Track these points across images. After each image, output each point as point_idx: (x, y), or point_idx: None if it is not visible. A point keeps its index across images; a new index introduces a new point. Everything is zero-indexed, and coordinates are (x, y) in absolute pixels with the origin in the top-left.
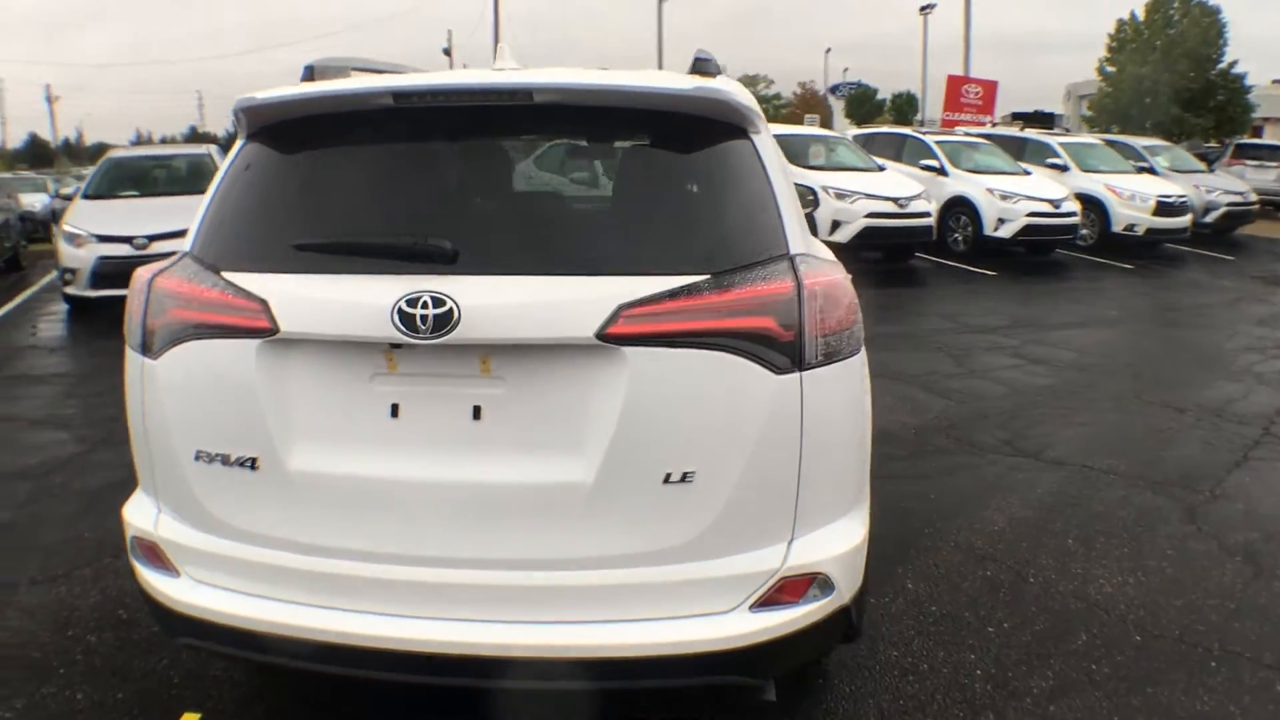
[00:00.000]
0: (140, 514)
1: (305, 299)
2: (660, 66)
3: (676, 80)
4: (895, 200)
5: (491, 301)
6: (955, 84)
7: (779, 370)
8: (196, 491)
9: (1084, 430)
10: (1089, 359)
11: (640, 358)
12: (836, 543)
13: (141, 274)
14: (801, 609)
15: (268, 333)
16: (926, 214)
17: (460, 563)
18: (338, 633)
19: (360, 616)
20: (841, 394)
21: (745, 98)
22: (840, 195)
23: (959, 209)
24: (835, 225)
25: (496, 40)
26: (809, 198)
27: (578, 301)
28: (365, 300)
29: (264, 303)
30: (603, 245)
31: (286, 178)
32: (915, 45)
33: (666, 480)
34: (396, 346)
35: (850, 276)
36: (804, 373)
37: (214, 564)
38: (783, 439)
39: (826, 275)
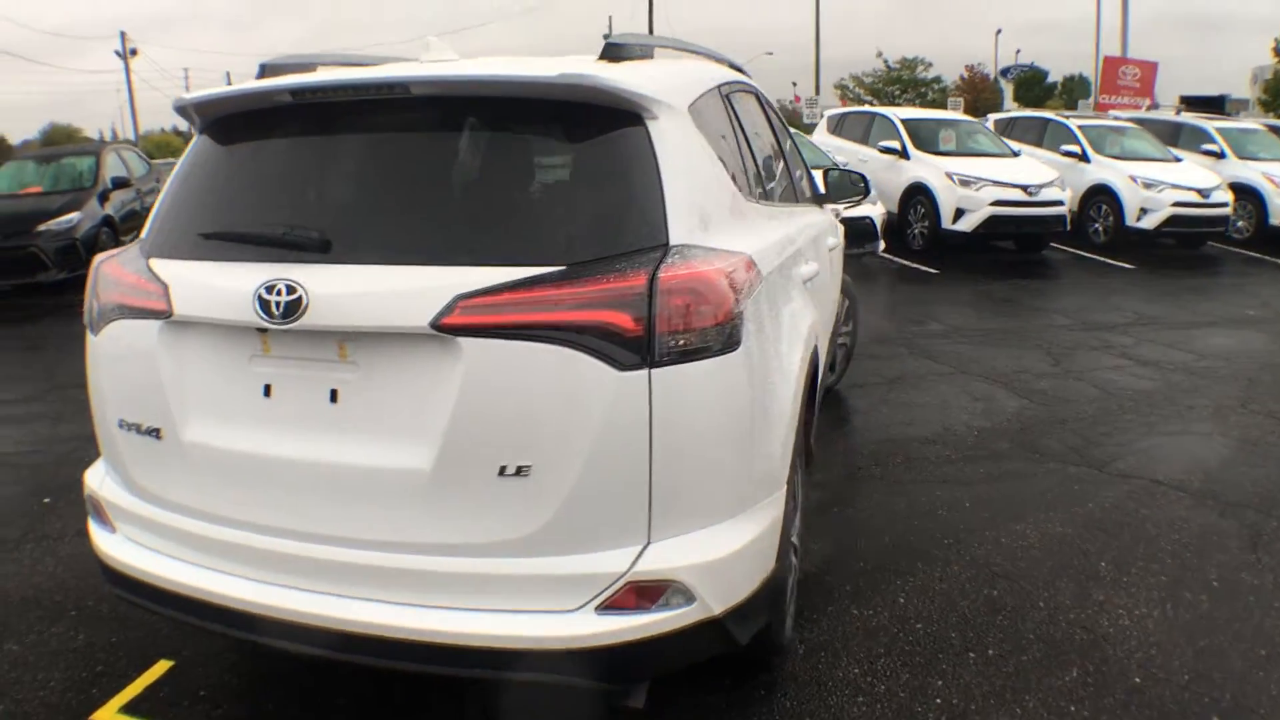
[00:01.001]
0: (94, 474)
1: (194, 284)
2: (817, 51)
3: (544, 68)
4: (1024, 188)
5: (339, 290)
6: (1112, 65)
7: (623, 367)
8: (123, 457)
9: (1166, 440)
10: (1204, 362)
11: (476, 349)
12: (699, 552)
13: (98, 258)
14: (654, 616)
15: (166, 315)
16: (1058, 203)
17: (320, 538)
18: (223, 595)
19: (241, 581)
20: (708, 394)
21: (632, 83)
22: (964, 182)
23: (1100, 198)
24: (958, 213)
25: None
26: (858, 184)
27: (417, 291)
28: (235, 286)
29: (166, 287)
30: (457, 236)
31: (211, 170)
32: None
33: (502, 473)
34: (264, 330)
35: (748, 269)
36: (653, 370)
37: (139, 524)
38: (628, 438)
39: (694, 269)
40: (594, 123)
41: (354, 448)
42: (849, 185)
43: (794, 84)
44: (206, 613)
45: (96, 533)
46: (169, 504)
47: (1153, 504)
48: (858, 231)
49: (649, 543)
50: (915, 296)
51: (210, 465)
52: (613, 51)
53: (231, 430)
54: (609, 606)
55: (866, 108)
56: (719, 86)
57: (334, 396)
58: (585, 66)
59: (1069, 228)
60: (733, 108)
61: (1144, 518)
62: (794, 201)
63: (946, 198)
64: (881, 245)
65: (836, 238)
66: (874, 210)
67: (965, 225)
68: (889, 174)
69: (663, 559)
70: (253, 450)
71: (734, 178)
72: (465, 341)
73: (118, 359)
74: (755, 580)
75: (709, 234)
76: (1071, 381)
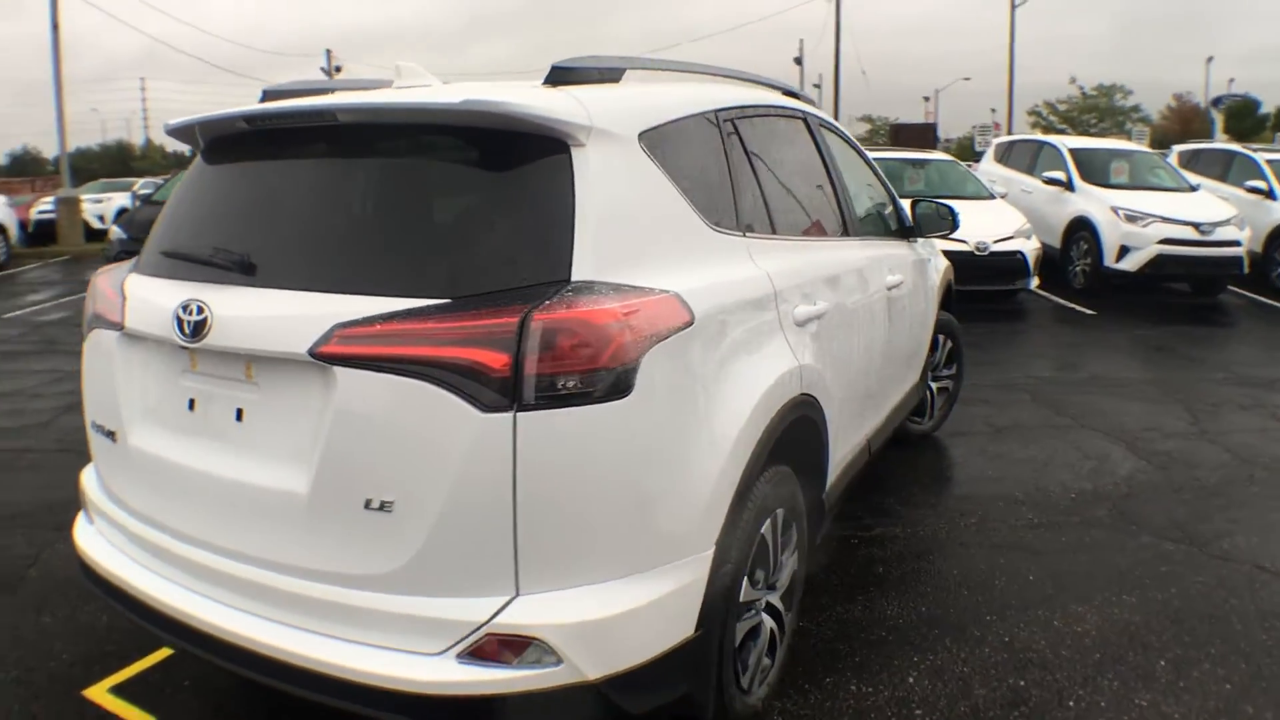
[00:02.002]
0: (88, 470)
1: (139, 299)
2: (1011, 78)
3: (449, 95)
4: (1196, 226)
5: (239, 313)
6: None
7: (487, 408)
8: (96, 455)
9: None
10: None
11: (349, 379)
12: (572, 611)
13: (97, 271)
14: (516, 672)
15: (120, 327)
16: (1234, 243)
17: (223, 551)
18: (149, 595)
19: (165, 583)
20: (585, 443)
21: (551, 109)
22: (1131, 218)
23: None
24: (1123, 251)
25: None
26: (946, 218)
27: (302, 318)
28: (162, 304)
29: (123, 301)
30: (353, 263)
31: (190, 190)
32: None
33: (367, 505)
34: (186, 348)
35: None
36: (520, 413)
37: (106, 521)
38: (489, 483)
39: (576, 309)
40: (513, 151)
41: (252, 466)
42: (937, 219)
43: (992, 110)
44: (141, 611)
45: (79, 524)
46: (123, 504)
47: (1248, 594)
48: (1006, 267)
49: (517, 594)
50: (1060, 339)
51: (147, 470)
52: (557, 75)
53: (164, 439)
54: (472, 655)
55: (1035, 136)
56: (714, 112)
57: (239, 415)
58: (508, 92)
59: (1246, 270)
60: (739, 134)
61: (1231, 610)
62: (845, 235)
63: (1110, 234)
64: (1034, 282)
65: (925, 274)
66: (1026, 245)
67: (1129, 264)
68: (1052, 206)
69: (527, 614)
70: (177, 460)
71: (708, 210)
72: (339, 371)
73: (93, 364)
74: (656, 647)
75: (637, 270)
76: (1204, 444)
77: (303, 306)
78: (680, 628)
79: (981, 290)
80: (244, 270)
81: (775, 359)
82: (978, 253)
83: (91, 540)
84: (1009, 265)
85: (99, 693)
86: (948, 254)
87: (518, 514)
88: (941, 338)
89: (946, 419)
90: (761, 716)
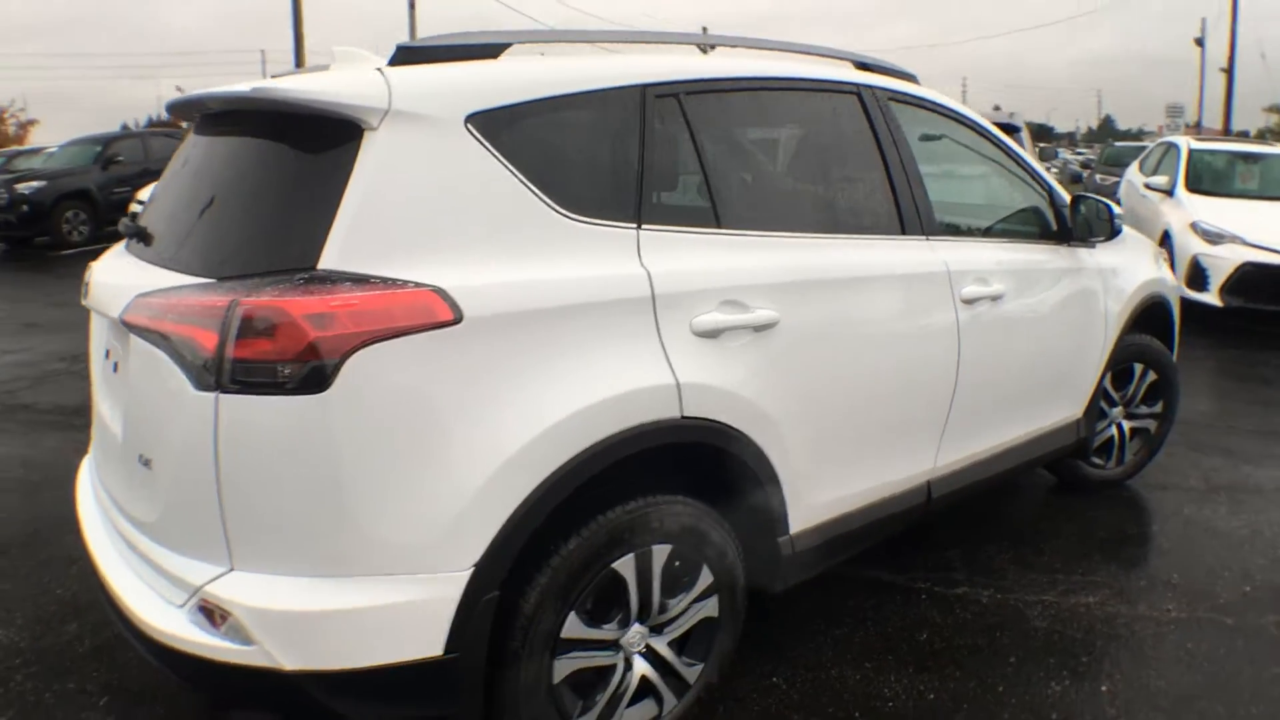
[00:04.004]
0: None
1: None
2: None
3: (252, 84)
4: None
5: (101, 279)
6: None
7: (200, 386)
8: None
9: None
10: None
11: (136, 343)
12: (266, 596)
13: None
14: (221, 642)
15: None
16: None
17: (112, 500)
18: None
19: (100, 536)
20: (278, 434)
21: (337, 91)
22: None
23: None
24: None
25: (1233, 38)
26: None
27: (128, 288)
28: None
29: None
30: (181, 242)
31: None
32: None
33: (139, 459)
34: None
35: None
36: (221, 395)
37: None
38: (200, 458)
39: (278, 298)
40: (312, 136)
41: (115, 415)
42: (1096, 220)
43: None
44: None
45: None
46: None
47: None
48: None
49: (232, 568)
50: None
51: (99, 428)
52: (403, 55)
53: (100, 399)
54: (202, 615)
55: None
56: (635, 87)
57: (115, 368)
58: (261, 82)
59: None
60: (683, 111)
61: None
62: (901, 233)
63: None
64: None
65: (1084, 286)
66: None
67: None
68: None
69: (230, 588)
70: (103, 416)
71: (574, 198)
72: (133, 337)
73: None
74: (379, 658)
75: (412, 261)
76: None
77: (138, 278)
78: (417, 645)
79: None
80: (143, 244)
81: (629, 373)
82: None
83: (84, 506)
84: None
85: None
86: (1258, 267)
87: (222, 493)
88: (1139, 367)
89: (1144, 466)
90: None
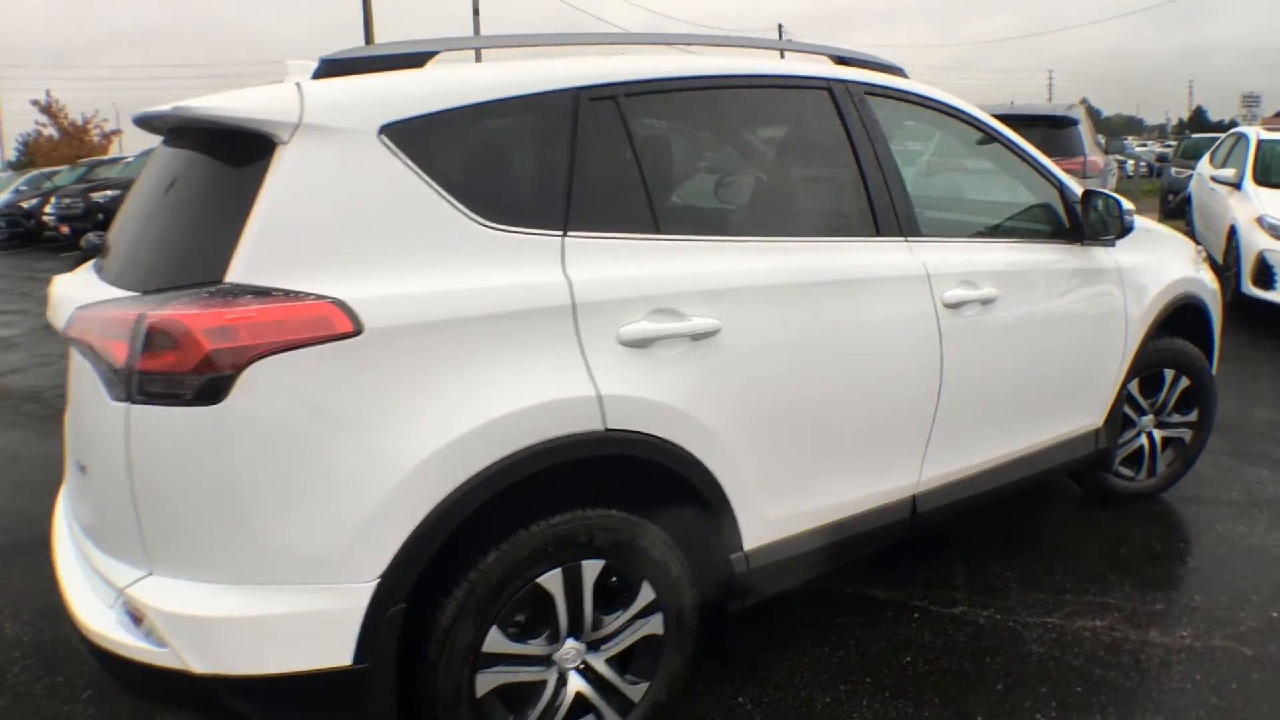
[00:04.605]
0: None
1: None
2: None
3: (186, 102)
4: None
5: (58, 293)
6: None
7: (115, 396)
8: None
9: None
10: None
11: (75, 355)
12: (177, 600)
13: None
14: (139, 643)
15: None
16: None
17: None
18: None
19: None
20: (181, 442)
21: (246, 106)
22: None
23: None
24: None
25: None
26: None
27: (73, 300)
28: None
29: None
30: (123, 257)
31: None
32: None
33: (78, 464)
34: None
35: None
36: (132, 405)
37: None
38: (116, 466)
39: (176, 310)
40: (234, 150)
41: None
42: (1108, 217)
43: None
44: None
45: None
46: None
47: None
48: None
49: (150, 572)
50: None
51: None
52: (326, 67)
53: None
54: (129, 615)
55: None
56: (568, 91)
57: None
58: (188, 101)
59: None
60: (621, 115)
61: None
62: (875, 235)
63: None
64: None
65: (1098, 287)
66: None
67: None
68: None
69: (146, 591)
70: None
71: (494, 207)
72: (72, 348)
73: None
74: (286, 665)
75: (317, 272)
76: None
77: (86, 292)
78: (325, 654)
79: None
80: (103, 259)
81: (545, 385)
82: None
83: (58, 510)
84: None
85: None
86: None
87: (137, 500)
88: (1170, 373)
89: (1180, 478)
90: None
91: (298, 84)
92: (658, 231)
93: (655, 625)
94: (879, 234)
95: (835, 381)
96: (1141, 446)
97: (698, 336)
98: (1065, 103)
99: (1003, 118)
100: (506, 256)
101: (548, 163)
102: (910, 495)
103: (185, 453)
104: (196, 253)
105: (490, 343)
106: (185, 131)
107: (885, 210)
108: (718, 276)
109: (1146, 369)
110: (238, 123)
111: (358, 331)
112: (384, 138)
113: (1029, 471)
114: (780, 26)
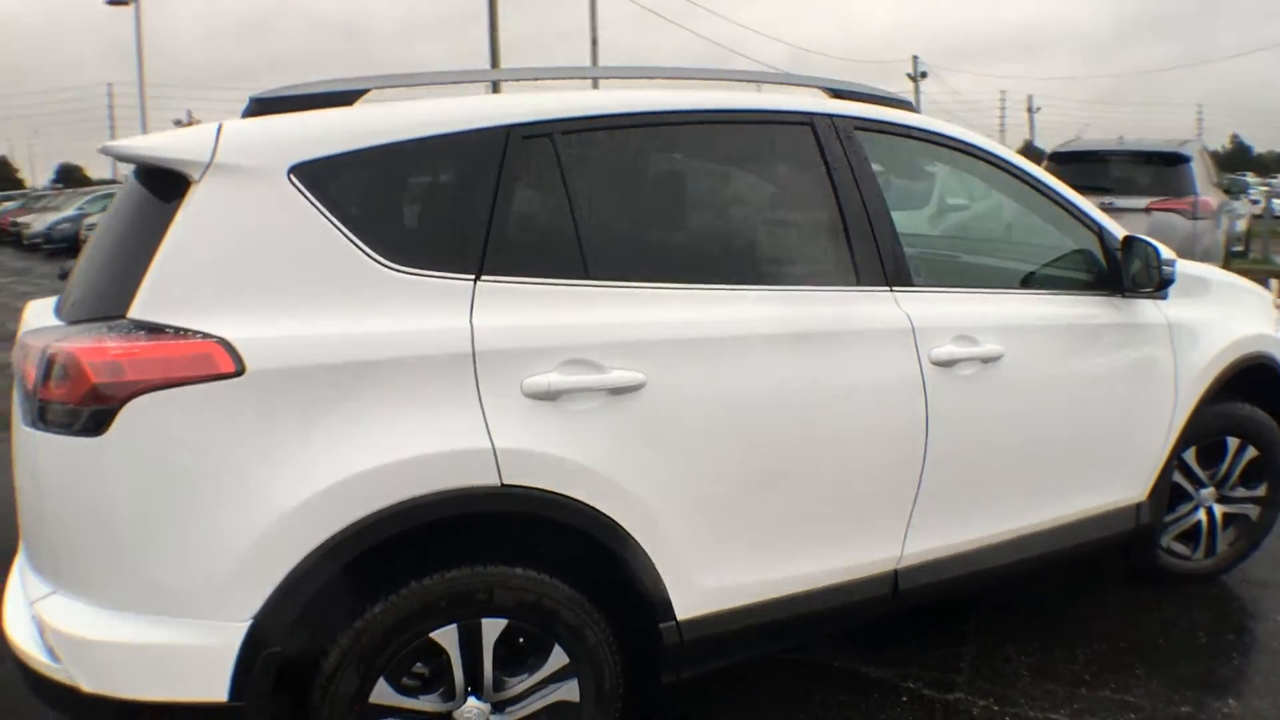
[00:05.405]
0: None
1: None
2: None
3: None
4: None
5: (25, 320)
6: None
7: (30, 422)
8: None
9: None
10: None
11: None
12: (67, 620)
13: None
14: (42, 655)
15: None
16: None
17: None
18: None
19: None
20: (68, 469)
21: (167, 148)
22: None
23: None
24: None
25: None
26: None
27: (28, 325)
28: None
29: None
30: (71, 287)
31: None
32: None
33: (18, 482)
34: None
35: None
36: (39, 432)
37: None
38: (28, 484)
39: (69, 344)
40: (158, 189)
41: None
42: (1145, 268)
43: None
44: None
45: None
46: None
47: None
48: None
49: (56, 590)
50: None
51: None
52: (255, 106)
53: None
54: (37, 627)
55: None
56: (498, 129)
57: None
58: (169, 132)
59: None
60: (557, 154)
61: None
62: (855, 284)
63: None
64: None
65: (1139, 345)
66: None
67: None
68: None
69: (48, 607)
70: None
71: (402, 249)
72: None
73: None
74: (161, 694)
75: (213, 312)
76: None
77: (39, 319)
78: (200, 687)
79: None
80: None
81: (434, 435)
82: None
83: None
84: None
85: None
86: None
87: (45, 520)
88: (1234, 441)
89: (1244, 559)
90: None
91: (220, 124)
92: (586, 277)
93: (570, 691)
94: (859, 282)
95: (789, 445)
96: (1200, 522)
97: (617, 390)
98: (1185, 138)
99: (1109, 154)
100: (409, 300)
101: (466, 204)
102: (891, 570)
103: (74, 480)
104: (111, 287)
105: (379, 389)
106: (140, 168)
107: (868, 256)
108: (647, 327)
109: (1205, 436)
110: (156, 161)
111: (239, 372)
112: (293, 178)
113: (1049, 548)
114: (915, 58)
